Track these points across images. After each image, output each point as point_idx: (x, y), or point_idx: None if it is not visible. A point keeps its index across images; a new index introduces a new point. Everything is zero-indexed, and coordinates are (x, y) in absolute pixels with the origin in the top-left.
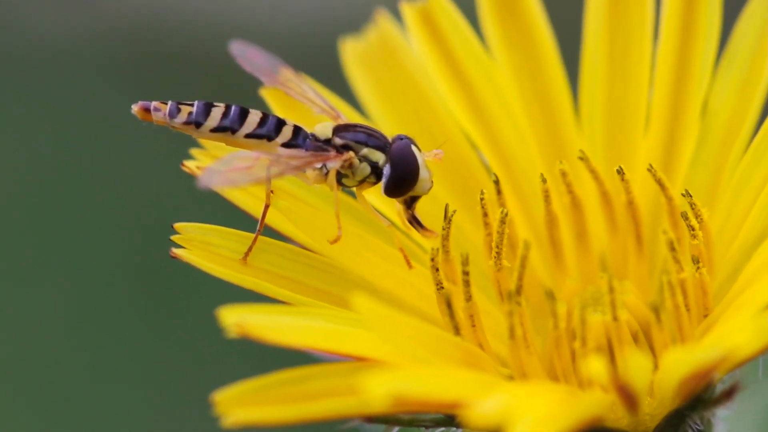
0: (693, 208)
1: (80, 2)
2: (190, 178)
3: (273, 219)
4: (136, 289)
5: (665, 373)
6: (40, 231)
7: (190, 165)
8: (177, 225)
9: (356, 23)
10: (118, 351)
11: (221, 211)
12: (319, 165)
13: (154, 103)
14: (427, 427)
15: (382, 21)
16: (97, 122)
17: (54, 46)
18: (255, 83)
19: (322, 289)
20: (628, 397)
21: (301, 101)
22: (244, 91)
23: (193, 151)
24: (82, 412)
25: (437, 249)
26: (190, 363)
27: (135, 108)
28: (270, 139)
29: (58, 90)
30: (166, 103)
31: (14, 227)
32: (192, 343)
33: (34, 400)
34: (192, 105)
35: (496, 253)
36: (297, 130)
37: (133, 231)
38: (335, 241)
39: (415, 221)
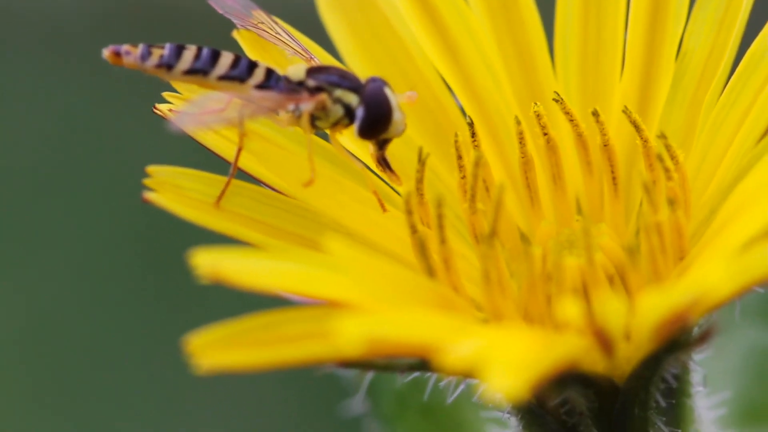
0: (668, 150)
1: None
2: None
3: (246, 162)
4: (140, 266)
5: (640, 315)
6: (41, 208)
7: (162, 108)
8: (148, 168)
9: None
10: (121, 333)
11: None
12: (291, 107)
13: (124, 47)
14: (401, 372)
15: None
16: (87, 78)
17: (34, 5)
18: (228, 26)
19: (296, 233)
20: (603, 340)
21: (273, 43)
22: (216, 35)
23: (166, 95)
24: (84, 398)
25: (411, 192)
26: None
27: (106, 52)
28: (242, 81)
29: (43, 45)
30: (137, 47)
31: (14, 204)
32: (198, 322)
33: (36, 385)
34: (163, 48)
35: (471, 196)
36: (269, 72)
37: (137, 204)
38: (308, 184)
39: (384, 163)
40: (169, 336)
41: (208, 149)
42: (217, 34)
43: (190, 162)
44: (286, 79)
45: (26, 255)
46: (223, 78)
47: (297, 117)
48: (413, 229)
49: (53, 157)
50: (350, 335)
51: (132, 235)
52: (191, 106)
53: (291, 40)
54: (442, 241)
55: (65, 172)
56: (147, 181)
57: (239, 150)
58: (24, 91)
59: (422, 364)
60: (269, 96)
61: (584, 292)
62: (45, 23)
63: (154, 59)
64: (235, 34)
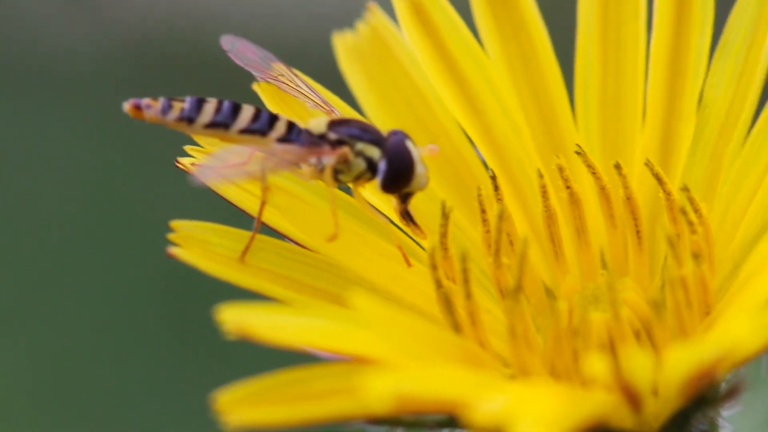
0: (692, 203)
1: (88, 12)
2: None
3: (270, 217)
4: (162, 308)
5: (668, 370)
6: (64, 247)
7: (184, 162)
8: (173, 223)
9: (350, 18)
10: (143, 370)
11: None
12: (313, 160)
13: (145, 100)
14: (430, 428)
15: (374, 14)
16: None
17: (61, 57)
18: (248, 78)
19: (321, 288)
20: (631, 396)
21: (294, 96)
22: (236, 88)
23: (188, 148)
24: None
25: (435, 246)
26: (215, 383)
27: (127, 106)
28: (264, 134)
29: (71, 100)
30: (158, 100)
31: (37, 243)
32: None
33: (59, 419)
34: (184, 101)
35: (495, 250)
36: (291, 125)
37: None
38: (332, 238)
39: (407, 216)
40: (190, 389)
41: (231, 203)
42: (237, 86)
43: (216, 213)
44: (308, 132)
45: (43, 304)
46: (245, 131)
47: (319, 170)
48: (438, 284)
49: (76, 208)
50: (378, 391)
51: (153, 287)
52: (213, 160)
53: (311, 93)
54: (468, 296)
55: (88, 223)
56: (171, 236)
57: (262, 204)
58: (48, 141)
59: (450, 421)
60: (291, 149)
61: (611, 347)
62: (69, 74)
63: (174, 113)
64: (255, 87)
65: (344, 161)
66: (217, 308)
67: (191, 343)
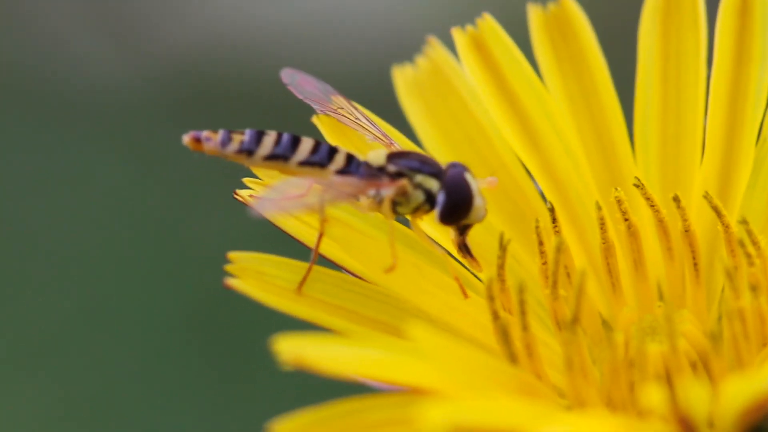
0: (750, 236)
1: (130, 45)
2: (255, 223)
3: (327, 248)
4: (198, 342)
5: (725, 402)
6: (102, 281)
7: (242, 194)
8: (231, 254)
9: (409, 51)
10: (180, 404)
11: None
12: (372, 192)
13: (205, 133)
14: None
15: (434, 48)
16: (158, 165)
17: (104, 90)
18: (307, 111)
19: (377, 319)
20: (688, 427)
21: (353, 128)
22: (296, 120)
23: (246, 180)
24: None
25: (493, 278)
26: (251, 419)
27: (186, 139)
28: (323, 166)
29: (113, 134)
30: (217, 132)
31: (74, 277)
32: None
33: None
34: (243, 133)
35: (552, 282)
36: (350, 157)
37: (195, 282)
38: (390, 270)
39: (464, 248)
40: (227, 422)
41: (289, 235)
42: (296, 119)
43: (261, 246)
44: (367, 165)
45: (77, 339)
46: (304, 164)
47: (378, 202)
48: (495, 316)
49: (114, 242)
50: (434, 422)
51: (188, 320)
52: (271, 192)
53: (370, 125)
54: (524, 327)
55: (126, 256)
56: (228, 267)
57: (320, 235)
58: (89, 174)
59: None
60: (350, 181)
61: (667, 379)
62: (111, 108)
63: (234, 145)
64: (314, 120)
65: (403, 193)
66: (273, 339)
67: (226, 376)
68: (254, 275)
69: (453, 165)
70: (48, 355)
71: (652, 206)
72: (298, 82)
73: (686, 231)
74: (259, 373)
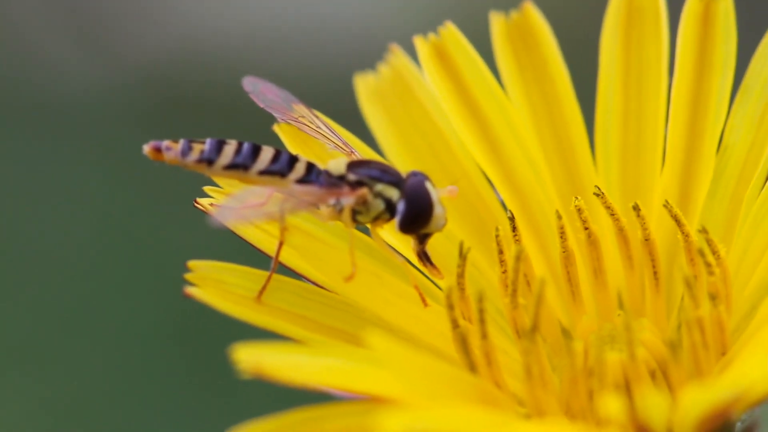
0: (710, 245)
1: (104, 52)
2: (227, 232)
3: (287, 257)
4: (175, 348)
5: (683, 411)
6: (77, 288)
7: (203, 202)
8: (190, 263)
9: (371, 59)
10: (156, 410)
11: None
12: (333, 201)
13: (165, 143)
14: None
15: (396, 56)
16: (133, 172)
17: (76, 96)
18: (268, 119)
19: (337, 328)
20: None
21: (314, 137)
22: (266, 127)
23: (207, 189)
24: None
25: (452, 286)
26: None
27: (147, 148)
28: (283, 175)
29: (87, 139)
30: (178, 142)
31: (50, 284)
32: (230, 404)
33: None
34: (204, 143)
35: (512, 290)
36: (310, 166)
37: (171, 296)
38: (349, 278)
39: (424, 257)
40: (202, 428)
41: (249, 243)
42: (257, 127)
43: (230, 254)
44: (327, 174)
45: (56, 345)
46: (264, 173)
47: (338, 211)
48: (455, 324)
49: (89, 249)
50: (393, 430)
51: (165, 327)
52: (232, 201)
53: (331, 134)
54: (484, 336)
55: (100, 263)
56: (188, 276)
57: (280, 244)
58: (62, 181)
59: None
60: (310, 190)
61: (626, 387)
62: (82, 114)
63: (194, 154)
64: (275, 128)
65: (363, 202)
66: (232, 348)
67: (204, 384)
68: (214, 284)
69: (413, 174)
70: (25, 361)
71: (612, 215)
72: (260, 90)
73: (646, 240)
74: (237, 380)
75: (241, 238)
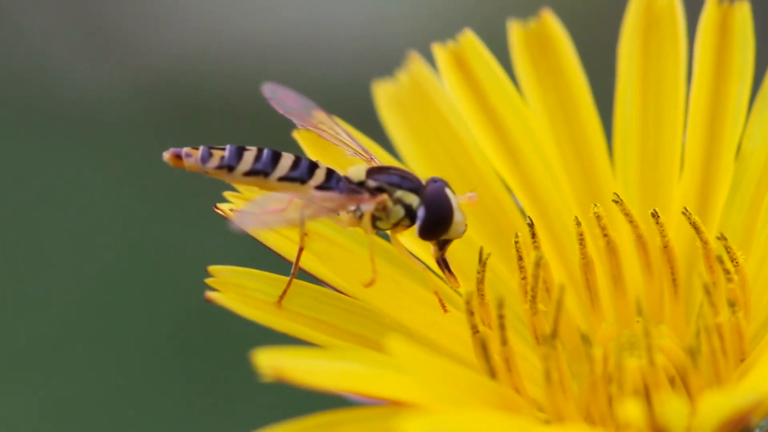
0: (728, 252)
1: (111, 58)
2: (237, 238)
3: (307, 262)
4: (177, 358)
5: (702, 417)
6: (81, 296)
7: (223, 208)
8: (211, 268)
9: (390, 67)
10: (157, 419)
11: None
12: (352, 207)
13: (185, 150)
14: None
15: (415, 63)
16: (141, 178)
17: (87, 101)
18: (288, 126)
19: (357, 333)
20: None
21: (334, 143)
22: (279, 133)
23: (227, 194)
24: None
25: (472, 292)
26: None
27: (166, 155)
28: (303, 182)
29: (94, 144)
30: (198, 149)
31: (53, 291)
32: (236, 417)
33: None
34: (224, 149)
35: (531, 297)
36: (330, 172)
37: (178, 295)
38: (370, 284)
39: (443, 263)
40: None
41: (270, 249)
42: (279, 132)
43: (244, 261)
44: (347, 180)
45: (58, 353)
46: (284, 179)
47: (358, 217)
48: (474, 330)
49: (95, 257)
50: None
51: (168, 335)
52: (252, 206)
53: (351, 140)
54: (504, 342)
55: (106, 271)
56: (209, 281)
57: (300, 250)
58: (73, 187)
59: None
60: (330, 197)
61: (645, 393)
62: (95, 120)
63: (214, 161)
64: (295, 135)
65: (383, 208)
66: (253, 352)
67: (211, 391)
68: (234, 289)
69: (433, 180)
70: (27, 368)
71: (631, 222)
72: (280, 97)
73: (665, 247)
74: (240, 387)
75: (260, 243)
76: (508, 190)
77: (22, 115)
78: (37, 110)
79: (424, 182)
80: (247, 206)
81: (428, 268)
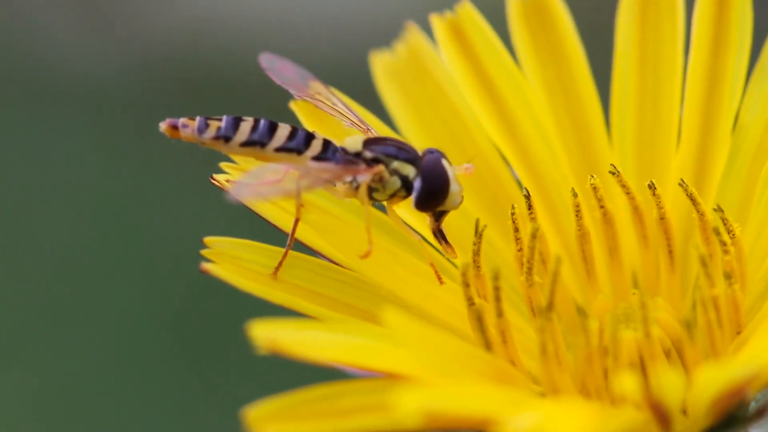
0: (725, 224)
1: (112, 32)
2: (240, 215)
3: (303, 233)
4: (171, 338)
5: (698, 390)
6: (76, 273)
7: (219, 178)
8: (207, 239)
9: (387, 37)
10: (151, 400)
11: (265, 238)
12: (349, 178)
13: (182, 120)
14: None
15: (412, 34)
16: (136, 153)
17: (88, 77)
18: (286, 96)
19: (353, 305)
20: (660, 414)
21: (330, 114)
22: (276, 105)
23: (223, 165)
24: None
25: (468, 264)
26: (226, 413)
27: (163, 126)
28: (299, 152)
29: (95, 121)
30: (194, 119)
31: (48, 269)
32: (231, 398)
33: None
34: (220, 120)
35: (528, 268)
36: (326, 143)
37: (171, 273)
38: (365, 255)
39: (440, 234)
40: (197, 414)
41: (265, 220)
42: (276, 104)
43: (231, 232)
44: (344, 151)
45: (52, 330)
46: (281, 150)
47: (354, 188)
48: (470, 302)
49: (89, 233)
50: (409, 408)
51: (163, 312)
52: (248, 177)
53: (348, 111)
54: (499, 314)
55: (100, 248)
56: (205, 252)
57: (296, 221)
58: (65, 163)
59: None
60: (326, 167)
61: (641, 366)
62: (90, 95)
63: (211, 132)
64: (292, 105)
65: (379, 179)
66: (248, 324)
67: (206, 373)
68: (230, 260)
69: (430, 151)
70: (20, 350)
71: (628, 193)
72: (277, 68)
73: (661, 218)
74: (235, 366)
75: (256, 214)
76: (505, 161)
77: (14, 89)
78: (32, 84)
79: (420, 153)
80: (243, 177)
81: (424, 239)
